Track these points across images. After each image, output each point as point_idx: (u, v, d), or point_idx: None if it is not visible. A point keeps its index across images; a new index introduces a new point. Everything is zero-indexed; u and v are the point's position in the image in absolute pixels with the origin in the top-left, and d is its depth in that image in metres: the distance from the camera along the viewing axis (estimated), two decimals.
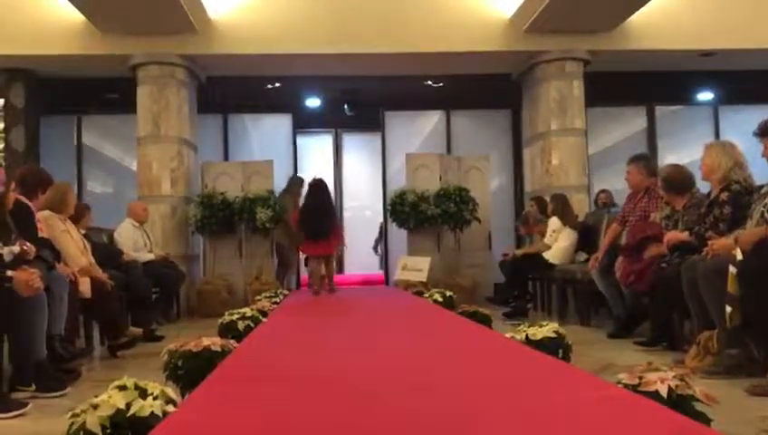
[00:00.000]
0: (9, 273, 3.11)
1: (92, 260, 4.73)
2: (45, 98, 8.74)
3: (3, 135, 8.49)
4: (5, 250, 3.23)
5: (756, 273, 2.97)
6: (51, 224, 4.35)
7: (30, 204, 3.91)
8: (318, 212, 6.83)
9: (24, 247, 3.32)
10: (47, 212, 4.39)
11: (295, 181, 8.66)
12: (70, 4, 6.96)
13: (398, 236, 8.79)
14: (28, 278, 3.13)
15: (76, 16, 7.34)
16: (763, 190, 3.40)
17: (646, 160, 5.42)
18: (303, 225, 6.91)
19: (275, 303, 5.55)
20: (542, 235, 6.82)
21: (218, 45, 7.83)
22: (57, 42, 7.66)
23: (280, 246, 8.40)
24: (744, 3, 7.97)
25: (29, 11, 7.64)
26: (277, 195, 8.24)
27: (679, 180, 4.47)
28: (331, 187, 10.69)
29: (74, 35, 7.64)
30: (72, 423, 1.69)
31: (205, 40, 7.76)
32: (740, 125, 8.88)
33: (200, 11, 7.43)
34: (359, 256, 9.78)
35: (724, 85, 9.58)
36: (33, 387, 3.20)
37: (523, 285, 6.87)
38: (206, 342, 2.66)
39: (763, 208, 3.24)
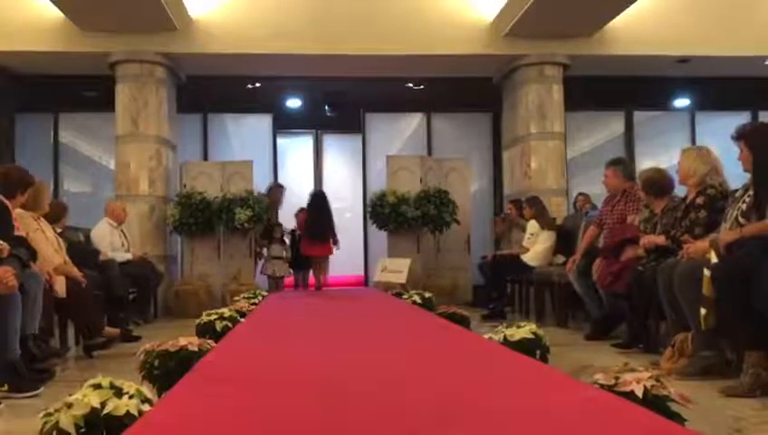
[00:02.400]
0: None
1: (67, 259, 4.67)
2: (21, 95, 8.62)
3: None
4: None
5: (730, 276, 3.01)
6: (24, 223, 4.29)
7: (7, 202, 3.85)
8: (321, 219, 7.87)
9: None
10: (20, 211, 4.32)
11: (276, 187, 8.74)
12: (48, 1, 6.88)
13: (378, 237, 8.80)
14: (2, 276, 3.08)
15: (54, 13, 7.25)
16: (737, 194, 3.46)
17: (623, 164, 5.48)
18: (308, 229, 7.96)
19: (254, 304, 5.52)
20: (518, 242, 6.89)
21: (199, 44, 7.78)
22: (35, 38, 7.56)
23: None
24: (720, 10, 8.09)
25: (5, 6, 7.53)
26: (258, 194, 8.19)
27: (660, 183, 4.52)
28: (310, 188, 10.70)
29: (52, 32, 7.55)
30: (46, 422, 1.66)
31: (185, 39, 7.71)
32: (716, 131, 9.00)
33: (181, 9, 7.38)
34: (338, 258, 9.76)
35: (701, 92, 9.71)
36: (6, 387, 3.14)
37: (502, 288, 6.90)
38: (183, 341, 2.64)
39: (737, 212, 3.29)
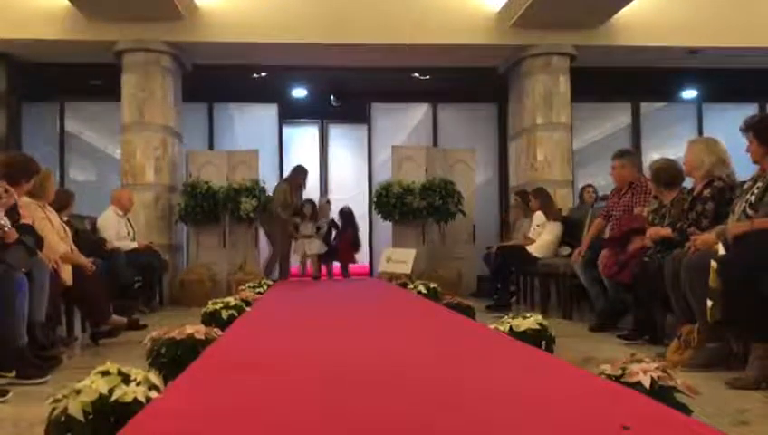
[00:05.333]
0: None
1: (73, 247, 4.68)
2: (28, 83, 8.61)
3: None
4: None
5: (737, 268, 3.00)
6: (30, 211, 4.29)
7: (12, 190, 3.85)
8: (356, 233, 8.78)
9: (6, 230, 3.28)
10: (26, 199, 4.32)
11: (299, 171, 8.55)
12: None
13: (384, 227, 8.80)
14: None
15: (60, 1, 7.25)
16: (745, 186, 3.44)
17: (631, 156, 5.47)
18: (352, 243, 8.77)
19: (259, 293, 5.54)
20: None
21: (205, 33, 7.76)
22: (41, 26, 7.55)
23: (271, 235, 8.38)
24: (729, 1, 8.03)
25: None
26: (263, 184, 8.17)
27: (670, 174, 4.49)
28: (316, 178, 10.71)
29: (58, 20, 7.54)
30: (54, 409, 1.67)
31: (191, 27, 7.69)
32: (723, 123, 8.97)
33: None
34: None
35: (709, 83, 9.66)
36: (14, 373, 3.16)
37: (507, 279, 6.89)
38: (189, 330, 2.65)
39: (745, 204, 3.27)
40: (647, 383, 1.82)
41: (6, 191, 3.39)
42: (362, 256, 9.82)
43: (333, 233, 8.73)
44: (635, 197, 5.13)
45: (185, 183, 8.02)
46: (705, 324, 3.34)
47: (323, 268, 8.66)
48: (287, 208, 8.17)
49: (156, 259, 6.83)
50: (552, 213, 6.61)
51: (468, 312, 4.18)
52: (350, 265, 8.89)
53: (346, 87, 9.98)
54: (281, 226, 8.19)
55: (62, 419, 1.64)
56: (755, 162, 3.38)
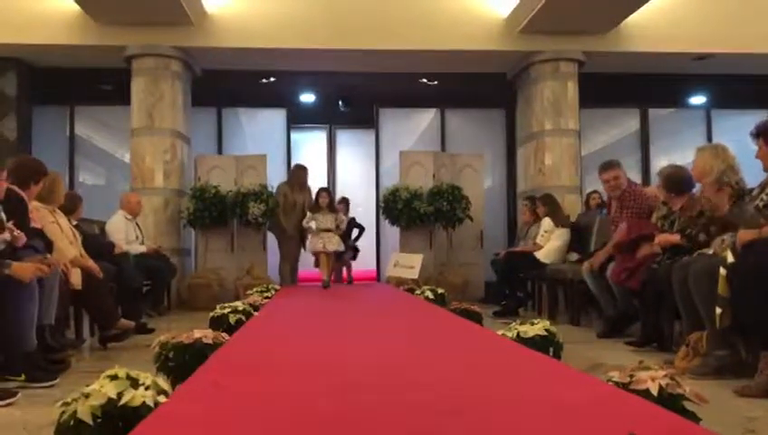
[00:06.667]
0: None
1: (82, 251, 4.70)
2: (38, 87, 8.68)
3: None
4: None
5: (746, 275, 2.99)
6: (40, 215, 4.32)
7: (23, 194, 3.88)
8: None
9: (15, 234, 3.31)
10: (36, 203, 4.35)
11: (297, 168, 8.38)
12: None
13: (391, 233, 8.79)
14: (40, 268, 3.16)
15: (71, 6, 7.31)
16: (754, 193, 3.42)
17: (620, 164, 5.50)
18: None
19: (266, 297, 5.55)
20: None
21: (214, 38, 7.80)
22: (51, 31, 7.62)
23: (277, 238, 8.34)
24: (738, 7, 8.01)
25: None
26: (271, 188, 8.16)
27: (679, 181, 4.48)
28: (323, 183, 10.74)
29: (69, 25, 7.60)
30: (63, 412, 1.68)
31: (200, 33, 7.74)
32: (732, 129, 8.93)
33: (196, 3, 7.41)
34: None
35: (718, 89, 9.62)
36: (23, 377, 3.18)
37: (514, 285, 6.88)
38: (197, 334, 2.66)
39: (754, 211, 3.25)
40: (654, 390, 1.81)
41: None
42: (369, 261, 9.83)
43: (355, 232, 8.39)
44: (623, 212, 5.15)
45: (193, 187, 8.05)
46: (713, 332, 3.32)
47: (340, 271, 8.39)
48: (291, 210, 8.11)
49: (164, 263, 6.86)
50: (559, 219, 6.60)
51: (476, 318, 4.17)
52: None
53: (354, 92, 10.00)
54: (282, 229, 8.16)
55: (71, 422, 1.65)
56: (766, 169, 3.36)
